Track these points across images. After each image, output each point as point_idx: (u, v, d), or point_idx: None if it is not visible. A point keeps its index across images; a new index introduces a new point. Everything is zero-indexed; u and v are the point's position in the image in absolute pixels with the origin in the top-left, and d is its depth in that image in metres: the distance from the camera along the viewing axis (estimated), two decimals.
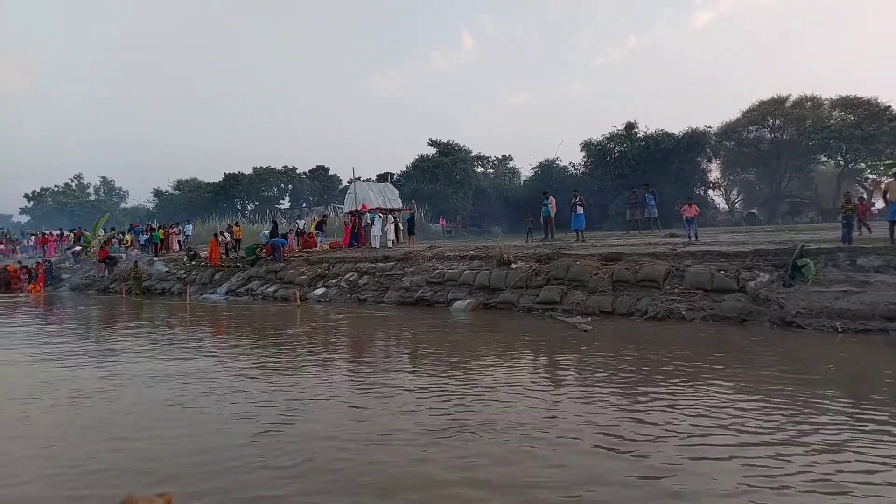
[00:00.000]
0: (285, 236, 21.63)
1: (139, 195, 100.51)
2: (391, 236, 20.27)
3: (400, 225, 20.41)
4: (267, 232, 23.76)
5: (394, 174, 70.85)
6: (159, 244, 26.22)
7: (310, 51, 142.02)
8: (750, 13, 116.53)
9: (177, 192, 65.64)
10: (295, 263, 19.48)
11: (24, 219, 76.28)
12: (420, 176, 55.90)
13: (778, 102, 39.46)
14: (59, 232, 33.03)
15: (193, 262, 22.90)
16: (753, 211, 40.59)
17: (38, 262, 26.89)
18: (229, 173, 61.20)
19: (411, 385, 7.10)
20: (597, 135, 44.42)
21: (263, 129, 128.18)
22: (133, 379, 7.85)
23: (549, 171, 43.76)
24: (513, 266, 14.11)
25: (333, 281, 17.82)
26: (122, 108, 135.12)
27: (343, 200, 56.61)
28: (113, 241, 28.02)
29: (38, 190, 77.19)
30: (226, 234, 22.06)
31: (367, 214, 21.73)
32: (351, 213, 22.19)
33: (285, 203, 62.64)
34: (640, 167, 39.64)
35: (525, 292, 13.47)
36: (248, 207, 61.81)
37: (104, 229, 30.83)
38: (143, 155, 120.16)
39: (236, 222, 26.52)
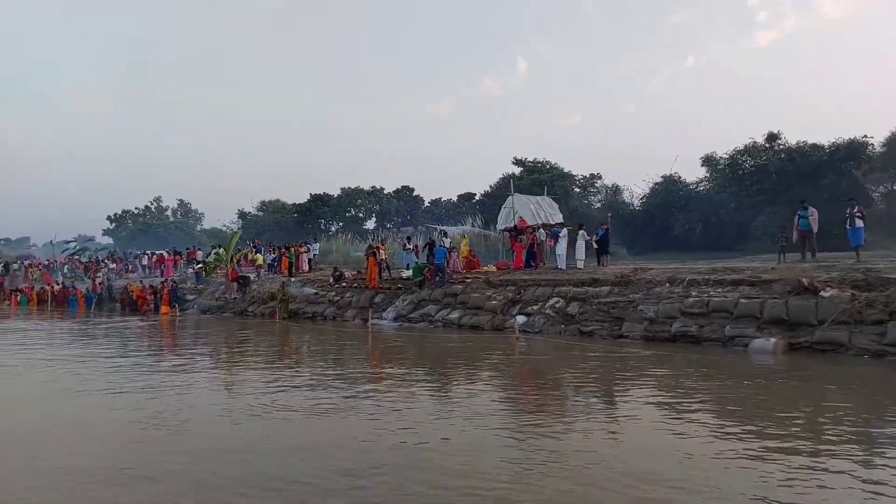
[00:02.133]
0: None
1: (214, 217, 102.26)
2: (580, 255, 17.38)
3: (592, 243, 17.53)
4: (408, 249, 21.32)
5: (475, 194, 68.83)
6: (290, 264, 24.23)
7: (378, 79, 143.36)
8: (817, 31, 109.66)
9: (260, 212, 65.22)
10: (474, 286, 16.84)
11: (106, 240, 77.90)
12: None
13: None
14: (173, 251, 31.84)
15: (339, 284, 20.67)
16: None
17: (162, 282, 25.38)
18: (315, 194, 60.27)
19: None
20: (707, 149, 40.74)
21: (329, 151, 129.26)
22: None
23: (672, 186, 40.03)
24: (824, 294, 10.91)
25: (534, 308, 15.05)
26: (198, 132, 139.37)
27: (425, 219, 54.77)
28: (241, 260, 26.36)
29: (119, 212, 78.80)
30: (380, 251, 19.78)
31: (541, 231, 18.97)
32: (528, 228, 19.48)
33: (371, 223, 61.14)
34: (782, 182, 35.61)
35: (855, 329, 10.24)
36: (332, 228, 60.67)
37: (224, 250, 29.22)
38: (216, 178, 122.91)
39: (381, 240, 24.26)
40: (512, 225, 20.72)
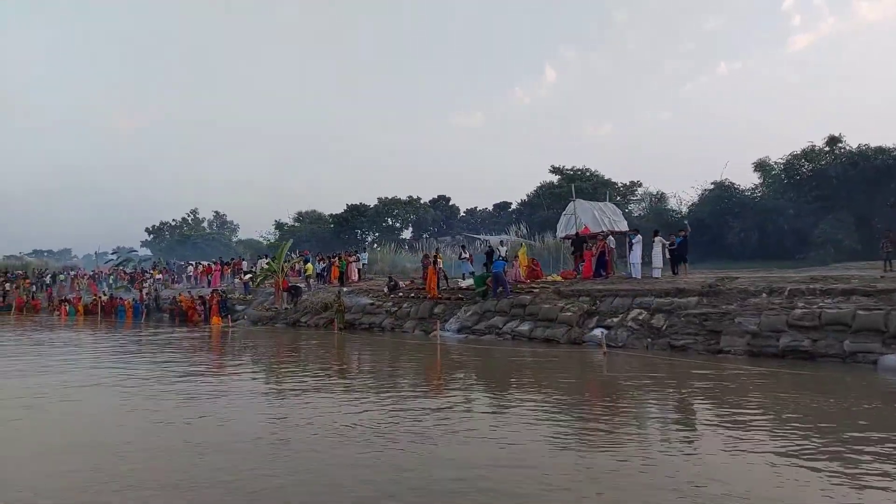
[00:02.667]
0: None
1: (249, 228, 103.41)
2: (658, 263, 16.35)
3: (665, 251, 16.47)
4: (464, 258, 20.53)
5: (510, 203, 67.91)
6: (340, 273, 23.68)
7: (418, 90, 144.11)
8: (854, 33, 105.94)
9: (297, 223, 65.42)
10: (543, 297, 15.94)
11: (144, 251, 79.08)
12: (552, 203, 52.40)
13: None
14: (220, 261, 31.68)
15: (395, 294, 20.00)
16: None
17: (211, 293, 25.08)
18: (352, 204, 60.20)
19: None
20: (747, 156, 39.11)
21: (362, 163, 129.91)
22: None
23: (725, 192, 38.42)
24: None
25: (614, 320, 14.08)
26: (231, 145, 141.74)
27: (472, 230, 53.82)
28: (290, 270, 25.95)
29: (156, 224, 80.00)
30: (439, 260, 19.06)
31: (611, 238, 17.99)
32: (598, 235, 18.54)
33: (407, 233, 60.70)
34: (843, 187, 33.89)
35: None
36: (367, 238, 60.42)
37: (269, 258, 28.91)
38: (250, 190, 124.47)
39: (437, 249, 23.59)
40: (574, 232, 19.80)
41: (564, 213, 21.16)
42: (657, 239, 16.61)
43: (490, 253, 19.02)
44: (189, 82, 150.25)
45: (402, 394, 8.84)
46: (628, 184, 58.29)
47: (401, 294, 19.83)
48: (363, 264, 25.37)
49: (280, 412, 7.70)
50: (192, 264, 33.19)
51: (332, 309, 19.78)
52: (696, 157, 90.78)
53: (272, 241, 66.09)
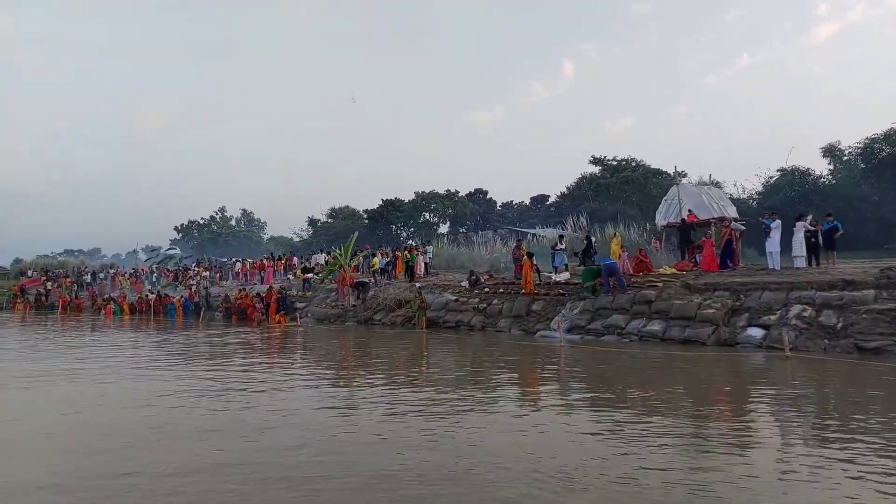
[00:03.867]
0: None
1: (277, 225, 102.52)
2: (800, 251, 14.28)
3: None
4: (558, 250, 18.61)
5: (548, 196, 65.72)
6: (408, 267, 21.89)
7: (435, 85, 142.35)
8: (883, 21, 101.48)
9: (330, 219, 63.93)
10: (672, 292, 13.96)
11: (173, 250, 78.34)
12: (597, 195, 50.24)
13: None
14: (269, 257, 30.13)
15: (478, 289, 18.19)
16: None
17: (268, 290, 23.51)
18: (387, 199, 58.51)
19: None
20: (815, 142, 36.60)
21: (391, 158, 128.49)
22: None
23: (797, 179, 35.87)
24: None
25: (771, 318, 12.08)
26: (257, 142, 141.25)
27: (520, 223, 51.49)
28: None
29: (185, 223, 79.26)
30: (522, 251, 17.21)
31: (737, 224, 15.92)
32: (706, 222, 16.55)
33: (444, 228, 58.78)
34: None
35: None
36: (402, 234, 58.72)
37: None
38: (278, 187, 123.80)
39: (518, 240, 21.71)
40: (680, 220, 17.76)
41: (665, 198, 19.11)
42: (799, 224, 14.51)
43: (588, 244, 17.10)
44: (214, 80, 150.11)
45: (601, 415, 6.98)
46: (675, 173, 55.85)
47: (486, 290, 17.99)
48: (429, 258, 23.55)
49: (452, 437, 5.88)
50: (238, 261, 31.69)
51: (412, 306, 18.03)
52: (716, 149, 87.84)
53: (305, 237, 64.72)
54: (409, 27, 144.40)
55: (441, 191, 58.30)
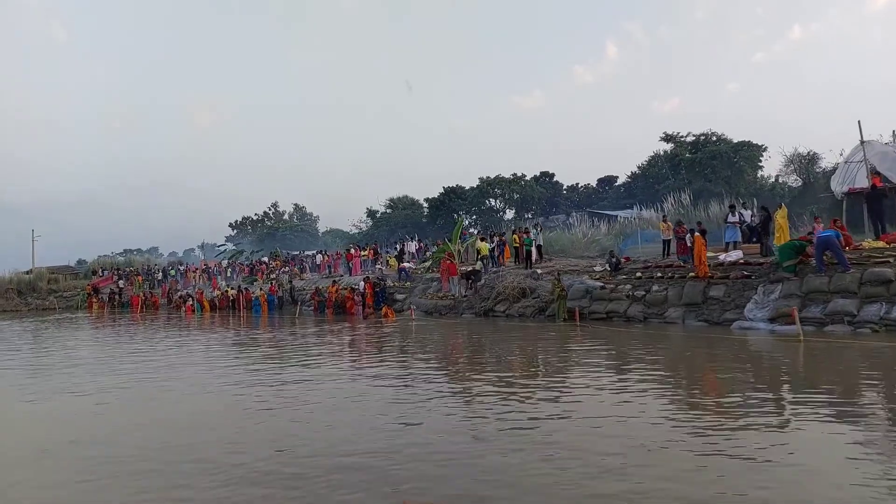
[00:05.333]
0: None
1: (329, 219, 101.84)
2: None
3: None
4: (732, 223, 15.62)
5: (616, 177, 62.18)
6: (527, 253, 19.45)
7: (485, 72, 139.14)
8: None
9: (389, 210, 62.11)
10: None
11: (228, 246, 78.27)
12: (678, 172, 46.73)
13: None
14: (356, 247, 28.22)
15: (620, 273, 15.62)
16: None
17: (364, 280, 21.50)
18: (448, 186, 56.17)
19: None
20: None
21: (443, 147, 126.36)
22: None
23: None
24: None
25: None
26: (309, 138, 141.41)
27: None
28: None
29: (239, 219, 79.13)
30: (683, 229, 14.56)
31: None
32: None
33: (510, 213, 56.10)
34: None
35: None
36: (465, 222, 56.32)
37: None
38: (328, 181, 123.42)
39: (663, 217, 18.99)
40: (870, 185, 14.71)
41: (846, 160, 16.04)
42: None
43: (767, 218, 14.28)
44: (265, 73, 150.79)
45: None
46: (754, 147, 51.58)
47: (639, 275, 15.37)
48: (540, 244, 21.01)
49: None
50: (320, 253, 29.92)
51: (539, 294, 15.60)
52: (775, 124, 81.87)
53: (364, 229, 63.06)
54: (450, 13, 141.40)
55: (507, 175, 55.50)
